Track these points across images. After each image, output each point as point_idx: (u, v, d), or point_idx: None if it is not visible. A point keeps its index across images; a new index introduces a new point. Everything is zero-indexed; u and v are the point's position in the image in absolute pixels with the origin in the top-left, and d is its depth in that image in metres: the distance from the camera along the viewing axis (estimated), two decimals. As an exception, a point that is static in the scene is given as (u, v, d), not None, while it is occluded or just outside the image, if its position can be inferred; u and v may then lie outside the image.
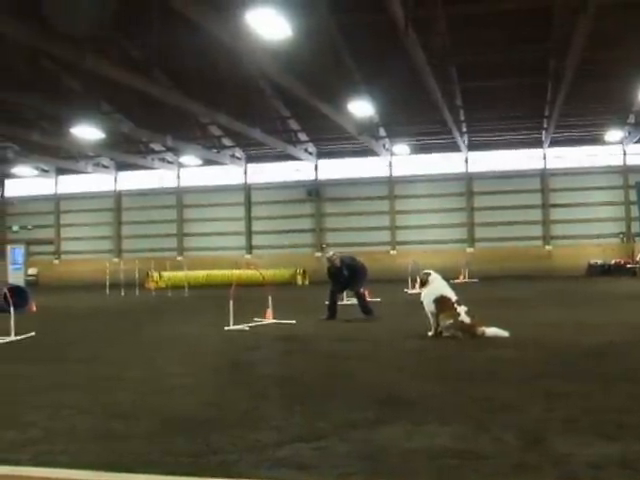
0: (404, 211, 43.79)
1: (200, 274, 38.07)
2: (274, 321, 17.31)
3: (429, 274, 15.20)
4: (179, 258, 45.61)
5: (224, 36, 21.41)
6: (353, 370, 10.70)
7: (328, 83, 29.31)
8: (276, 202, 45.47)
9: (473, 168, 43.34)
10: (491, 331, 13.90)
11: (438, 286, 14.88)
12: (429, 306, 14.57)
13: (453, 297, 14.51)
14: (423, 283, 15.23)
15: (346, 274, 19.47)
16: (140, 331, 17.49)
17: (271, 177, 46.02)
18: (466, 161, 43.28)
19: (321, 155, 44.77)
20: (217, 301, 22.20)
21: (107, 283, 32.80)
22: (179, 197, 47.48)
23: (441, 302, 14.42)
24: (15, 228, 50.71)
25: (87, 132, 32.89)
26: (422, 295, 15.00)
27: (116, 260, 45.01)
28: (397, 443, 6.38)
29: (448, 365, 10.99)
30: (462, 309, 14.23)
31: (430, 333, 14.37)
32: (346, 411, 7.66)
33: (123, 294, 31.38)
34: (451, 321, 14.13)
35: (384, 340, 14.29)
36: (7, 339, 15.19)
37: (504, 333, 13.74)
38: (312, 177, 45.32)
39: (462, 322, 14.04)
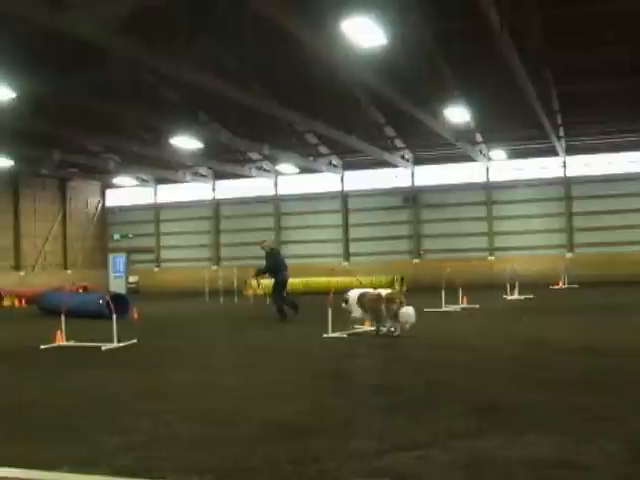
0: (502, 217, 43.22)
1: (297, 281, 38.20)
2: (372, 328, 17.24)
3: (348, 293, 17.30)
4: (277, 266, 45.95)
5: (319, 45, 21.50)
6: (452, 378, 10.60)
7: (424, 89, 29.16)
8: (373, 209, 45.37)
9: (571, 172, 42.51)
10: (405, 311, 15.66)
11: (353, 294, 16.94)
12: (356, 309, 16.63)
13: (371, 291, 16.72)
14: (346, 301, 17.14)
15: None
16: (239, 338, 17.65)
17: (368, 184, 45.95)
18: (564, 165, 42.49)
19: (417, 161, 44.53)
20: (314, 308, 22.23)
21: (206, 291, 33.20)
22: (276, 205, 47.79)
23: (362, 300, 16.52)
24: (116, 237, 51.74)
25: (186, 142, 33.39)
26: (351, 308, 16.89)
27: (215, 268, 45.58)
28: (498, 453, 6.30)
29: (547, 373, 10.80)
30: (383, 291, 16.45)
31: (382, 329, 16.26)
32: (446, 420, 7.60)
33: (222, 301, 31.73)
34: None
35: (482, 347, 14.14)
36: (110, 346, 15.49)
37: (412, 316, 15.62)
38: (409, 184, 45.11)
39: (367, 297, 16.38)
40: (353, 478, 5.75)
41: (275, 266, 22.41)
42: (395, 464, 6.02)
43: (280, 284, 22.24)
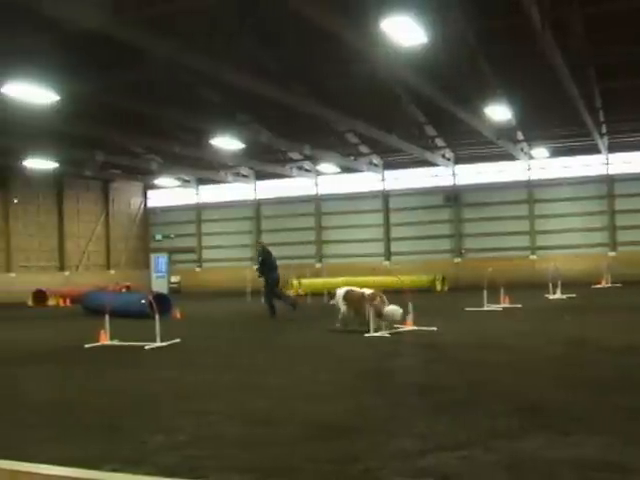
0: (544, 215, 42.83)
1: (339, 280, 38.21)
2: (414, 328, 17.21)
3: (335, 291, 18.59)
4: (318, 265, 45.99)
5: (360, 44, 21.48)
6: (494, 377, 10.56)
7: (464, 88, 29.01)
8: (414, 208, 45.20)
9: (614, 170, 42.04)
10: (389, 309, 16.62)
11: (340, 292, 18.05)
12: (342, 306, 17.75)
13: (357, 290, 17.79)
14: (333, 297, 18.46)
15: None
16: (281, 338, 17.70)
17: (408, 183, 45.82)
18: (606, 163, 42.04)
19: (458, 160, 44.31)
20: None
21: (248, 290, 33.30)
22: (317, 205, 47.81)
23: (348, 297, 17.66)
24: (158, 237, 52.07)
25: (227, 143, 33.52)
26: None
27: (255, 267, 45.74)
28: (542, 453, 6.26)
29: (590, 372, 10.70)
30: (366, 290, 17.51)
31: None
32: (489, 419, 7.56)
33: (263, 301, 31.73)
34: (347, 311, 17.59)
35: (524, 346, 14.06)
36: (154, 345, 15.61)
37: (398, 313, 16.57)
38: (450, 183, 44.91)
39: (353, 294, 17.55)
40: (396, 478, 5.75)
41: (268, 266, 24.04)
42: (438, 464, 6.00)
43: (272, 283, 23.77)
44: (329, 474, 5.98)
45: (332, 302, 18.51)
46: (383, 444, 6.77)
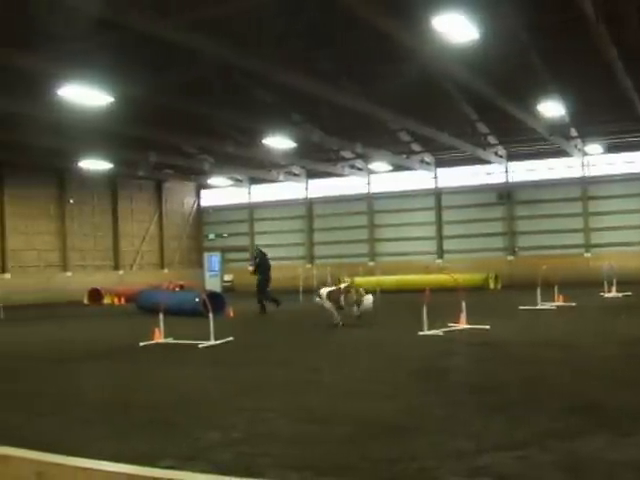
0: (598, 212, 42.31)
1: (391, 279, 38.18)
2: (468, 326, 17.12)
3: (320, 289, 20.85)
4: (370, 263, 45.91)
5: (411, 42, 21.41)
6: (550, 376, 10.46)
7: (516, 84, 28.77)
8: (466, 206, 44.89)
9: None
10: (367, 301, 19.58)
11: (324, 291, 20.21)
12: (326, 302, 19.89)
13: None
14: (319, 296, 20.28)
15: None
16: (334, 336, 17.72)
17: (461, 181, 45.56)
18: (664, 159, 41.42)
19: (511, 157, 43.93)
20: (409, 306, 22.19)
21: (300, 289, 33.37)
22: (369, 203, 47.72)
23: (330, 295, 19.83)
24: (211, 236, 52.39)
25: (279, 142, 33.62)
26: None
27: (309, 266, 45.84)
28: (601, 454, 6.18)
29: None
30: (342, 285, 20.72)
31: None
32: (546, 419, 7.49)
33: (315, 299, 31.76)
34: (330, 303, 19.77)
35: (580, 345, 13.91)
36: (207, 343, 15.72)
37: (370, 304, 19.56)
38: (502, 180, 44.53)
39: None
40: (452, 478, 5.72)
41: (262, 267, 26.53)
42: (494, 464, 5.96)
43: (265, 282, 26.19)
44: (384, 473, 5.98)
45: (317, 300, 20.43)
46: (439, 443, 6.74)
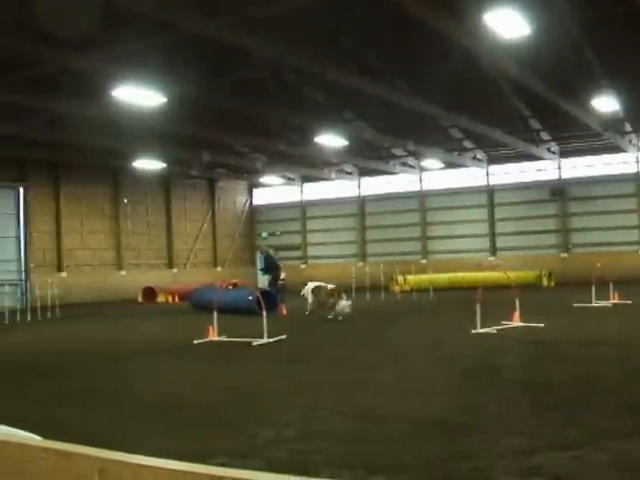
0: (655, 208, 41.78)
1: (444, 277, 38.03)
2: (521, 324, 17.02)
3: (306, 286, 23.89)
4: (423, 261, 45.75)
5: (462, 38, 21.30)
6: (605, 375, 10.36)
7: (569, 80, 28.45)
8: (519, 203, 44.48)
9: None
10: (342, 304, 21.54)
11: (308, 287, 23.36)
12: (310, 296, 23.07)
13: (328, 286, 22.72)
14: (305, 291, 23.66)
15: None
16: (387, 334, 17.71)
17: (513, 178, 45.16)
18: None
19: (564, 154, 43.43)
20: (462, 303, 22.11)
21: (353, 287, 33.39)
22: (421, 201, 47.51)
23: (314, 291, 22.76)
24: (264, 235, 52.56)
25: (330, 140, 33.63)
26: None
27: (361, 264, 45.79)
28: (658, 454, 6.12)
29: None
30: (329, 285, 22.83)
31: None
32: (601, 419, 7.43)
33: (368, 297, 31.83)
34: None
35: (635, 343, 13.75)
36: (261, 341, 15.81)
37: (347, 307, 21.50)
38: (555, 176, 44.07)
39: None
40: (505, 477, 5.71)
41: (269, 266, 28.42)
42: (549, 464, 5.93)
43: (274, 281, 27.93)
44: (437, 472, 5.99)
45: (302, 293, 23.70)
46: (492, 442, 6.73)
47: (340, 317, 21.40)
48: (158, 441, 7.24)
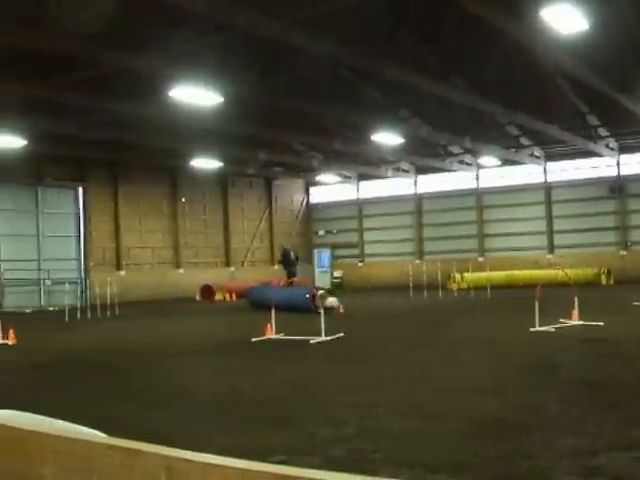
0: None
1: (501, 274, 37.78)
2: (580, 322, 16.85)
3: None
4: (480, 259, 45.47)
5: (519, 34, 21.13)
6: (668, 375, 10.24)
7: (628, 75, 28.05)
8: (577, 200, 43.96)
9: None
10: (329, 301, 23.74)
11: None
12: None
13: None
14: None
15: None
16: (444, 332, 17.64)
17: (571, 175, 44.65)
18: None
19: (623, 150, 42.81)
20: (519, 301, 21.93)
21: (410, 285, 33.30)
22: (478, 198, 47.19)
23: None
24: (321, 233, 52.61)
25: (387, 138, 33.54)
26: None
27: (418, 262, 45.61)
28: None
29: None
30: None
31: None
32: (663, 419, 7.35)
33: (425, 295, 31.73)
34: None
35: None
36: (319, 339, 15.87)
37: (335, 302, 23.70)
38: (614, 173, 43.47)
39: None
40: (565, 477, 5.67)
41: (286, 262, 33.95)
42: (610, 464, 5.87)
43: (290, 275, 32.45)
44: (496, 471, 5.97)
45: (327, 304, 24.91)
46: (552, 441, 6.68)
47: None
48: (215, 437, 7.31)
